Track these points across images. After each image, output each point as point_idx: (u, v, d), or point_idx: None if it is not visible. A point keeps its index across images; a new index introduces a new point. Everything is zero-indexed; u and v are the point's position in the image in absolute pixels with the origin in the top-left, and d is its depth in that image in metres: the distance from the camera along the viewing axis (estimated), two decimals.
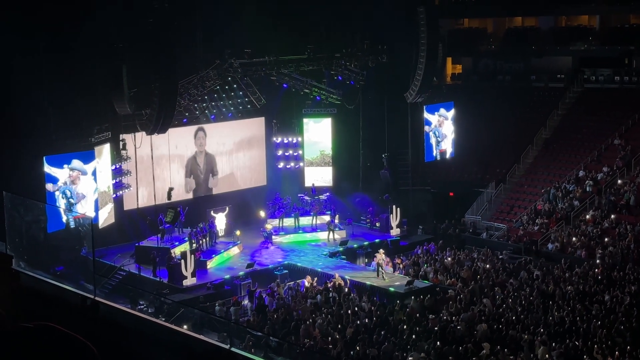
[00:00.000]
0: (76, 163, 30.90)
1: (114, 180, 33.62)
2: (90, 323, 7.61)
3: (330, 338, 24.22)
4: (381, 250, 32.45)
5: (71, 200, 30.74)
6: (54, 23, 29.93)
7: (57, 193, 30.12)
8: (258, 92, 38.32)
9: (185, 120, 36.63)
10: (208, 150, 39.36)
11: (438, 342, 23.40)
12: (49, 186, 30.09)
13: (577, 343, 22.96)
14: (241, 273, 32.31)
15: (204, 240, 34.93)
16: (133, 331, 7.94)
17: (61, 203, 30.23)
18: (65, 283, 8.77)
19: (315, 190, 39.93)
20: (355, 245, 36.31)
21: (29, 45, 29.23)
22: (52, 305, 7.87)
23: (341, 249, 35.68)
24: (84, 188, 31.30)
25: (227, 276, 31.93)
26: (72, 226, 29.69)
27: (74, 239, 30.24)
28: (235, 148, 40.51)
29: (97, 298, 8.14)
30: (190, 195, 38.68)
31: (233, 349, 7.93)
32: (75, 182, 30.95)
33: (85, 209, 31.12)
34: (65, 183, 30.60)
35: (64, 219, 29.92)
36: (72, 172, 30.79)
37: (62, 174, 30.42)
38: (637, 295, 27.17)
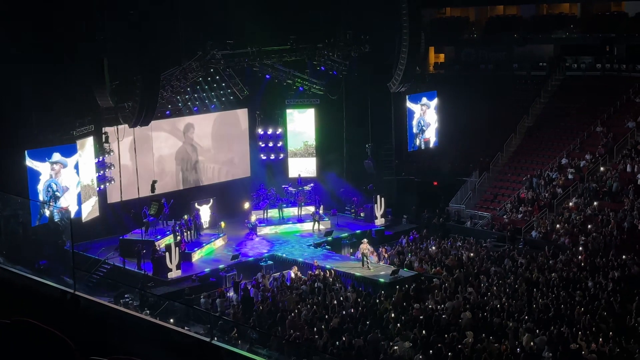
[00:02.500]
0: (57, 156, 30.73)
1: (98, 174, 33.49)
2: (70, 318, 7.58)
3: (315, 329, 24.25)
4: (365, 240, 32.51)
5: (57, 193, 30.58)
6: (35, 17, 29.71)
7: (39, 187, 29.89)
8: (241, 84, 38.21)
9: (168, 112, 36.53)
10: (193, 143, 39.31)
11: (423, 331, 23.50)
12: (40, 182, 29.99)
13: (561, 330, 23.11)
14: (221, 265, 32.24)
15: (188, 232, 34.89)
16: (113, 325, 7.91)
17: (44, 197, 30.05)
18: (45, 277, 8.71)
19: (301, 181, 39.94)
20: (340, 236, 36.35)
21: (10, 38, 28.98)
22: (32, 300, 7.82)
23: (327, 239, 35.68)
24: (67, 181, 31.14)
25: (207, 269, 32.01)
26: (56, 219, 29.65)
27: (57, 233, 30.20)
28: (218, 140, 40.39)
29: (77, 292, 8.09)
30: (180, 187, 38.66)
31: (215, 342, 7.91)
32: (58, 175, 30.80)
33: (68, 202, 30.98)
34: (50, 176, 30.42)
35: (47, 213, 29.83)
36: (55, 165, 30.62)
37: (44, 167, 30.23)
38: (620, 281, 27.38)
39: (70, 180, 31.23)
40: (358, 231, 37.31)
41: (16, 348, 4.50)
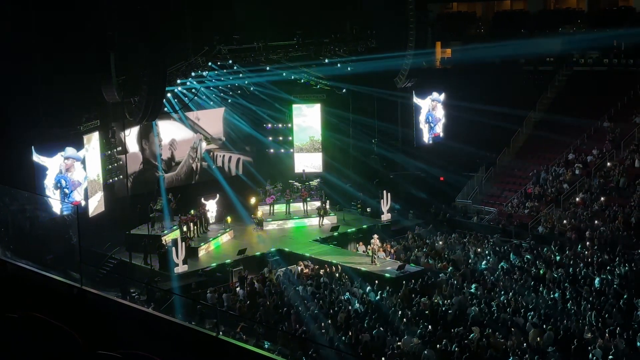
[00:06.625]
0: (70, 151, 30.73)
1: (104, 169, 33.49)
2: (77, 312, 7.60)
3: (322, 324, 24.26)
4: (375, 236, 32.51)
5: (65, 190, 30.57)
6: (42, 12, 29.73)
7: (45, 182, 29.89)
8: (247, 79, 38.16)
9: (175, 107, 36.51)
10: (200, 138, 39.33)
11: (429, 326, 23.49)
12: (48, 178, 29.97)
13: (567, 325, 23.09)
14: (228, 260, 32.25)
15: (195, 227, 34.90)
16: (120, 319, 7.93)
17: (54, 192, 30.07)
18: (52, 272, 8.73)
19: (305, 176, 39.88)
20: (346, 231, 36.32)
21: (16, 34, 29.02)
22: (39, 295, 7.84)
23: (333, 234, 35.65)
24: (79, 176, 31.16)
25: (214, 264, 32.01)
26: (64, 213, 29.69)
27: (64, 228, 30.23)
28: (225, 135, 40.38)
29: (84, 287, 8.11)
30: (187, 182, 38.69)
31: (221, 337, 7.92)
32: (70, 170, 30.78)
33: (82, 196, 31.02)
34: (60, 172, 30.41)
35: (57, 208, 29.86)
36: (67, 161, 30.60)
37: (51, 162, 30.22)
38: (626, 276, 27.32)
39: (79, 175, 31.26)
40: (367, 226, 37.28)
41: (24, 342, 4.51)
